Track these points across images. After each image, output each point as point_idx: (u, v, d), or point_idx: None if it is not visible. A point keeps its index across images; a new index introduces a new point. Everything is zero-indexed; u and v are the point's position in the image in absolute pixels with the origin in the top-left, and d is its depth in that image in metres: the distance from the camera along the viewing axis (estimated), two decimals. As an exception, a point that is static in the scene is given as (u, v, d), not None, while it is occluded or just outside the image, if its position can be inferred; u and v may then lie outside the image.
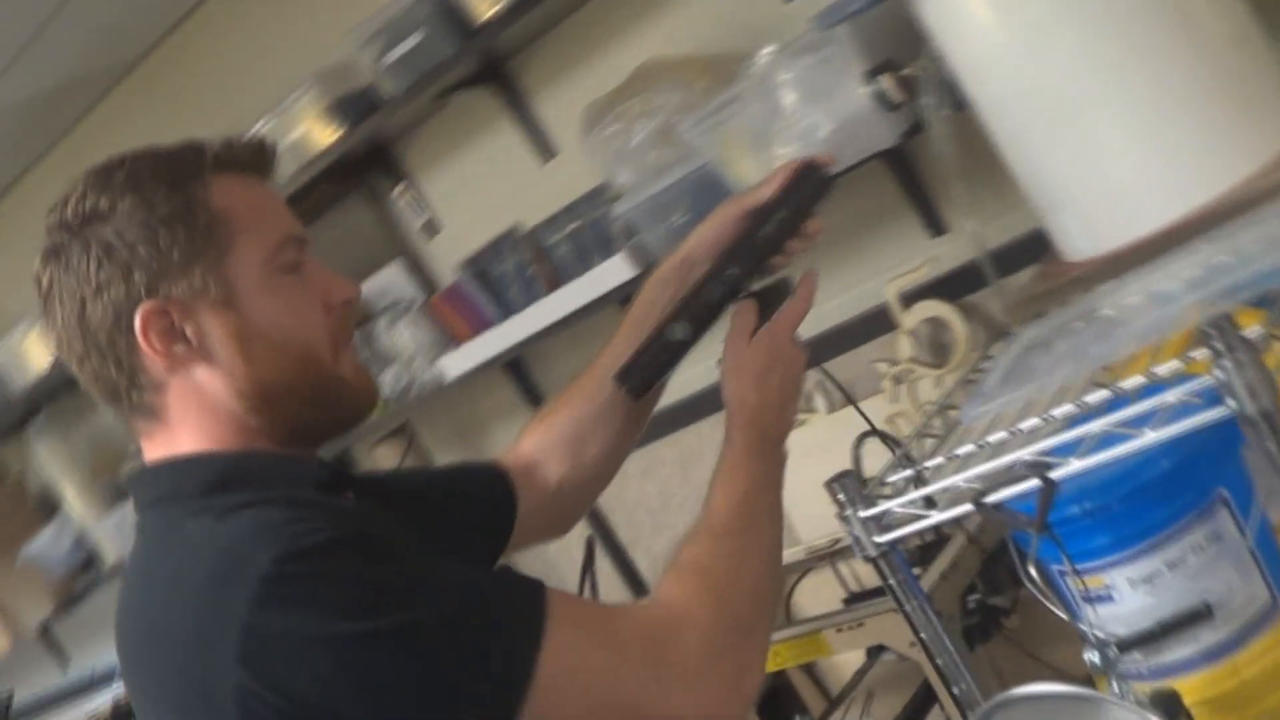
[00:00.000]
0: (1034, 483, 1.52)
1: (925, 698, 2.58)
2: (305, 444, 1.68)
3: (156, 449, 1.66)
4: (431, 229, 3.85)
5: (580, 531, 3.84)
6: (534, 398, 3.89)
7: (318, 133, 3.50)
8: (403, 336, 3.64)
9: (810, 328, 3.26)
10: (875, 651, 2.84)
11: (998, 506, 1.54)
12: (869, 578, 2.88)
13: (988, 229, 2.45)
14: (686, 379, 3.52)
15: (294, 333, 1.63)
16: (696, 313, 1.86)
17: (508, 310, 3.43)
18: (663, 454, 3.69)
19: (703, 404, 3.54)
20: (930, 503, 1.65)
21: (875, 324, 3.18)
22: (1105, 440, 1.50)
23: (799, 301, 1.88)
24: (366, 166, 3.81)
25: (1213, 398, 1.44)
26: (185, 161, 1.63)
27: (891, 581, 1.69)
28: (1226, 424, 1.50)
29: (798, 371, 1.86)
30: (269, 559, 1.42)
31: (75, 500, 4.69)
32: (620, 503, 3.85)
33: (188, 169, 1.62)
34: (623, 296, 3.31)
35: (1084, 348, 1.77)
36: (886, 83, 2.45)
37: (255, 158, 1.69)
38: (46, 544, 4.75)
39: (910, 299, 3.04)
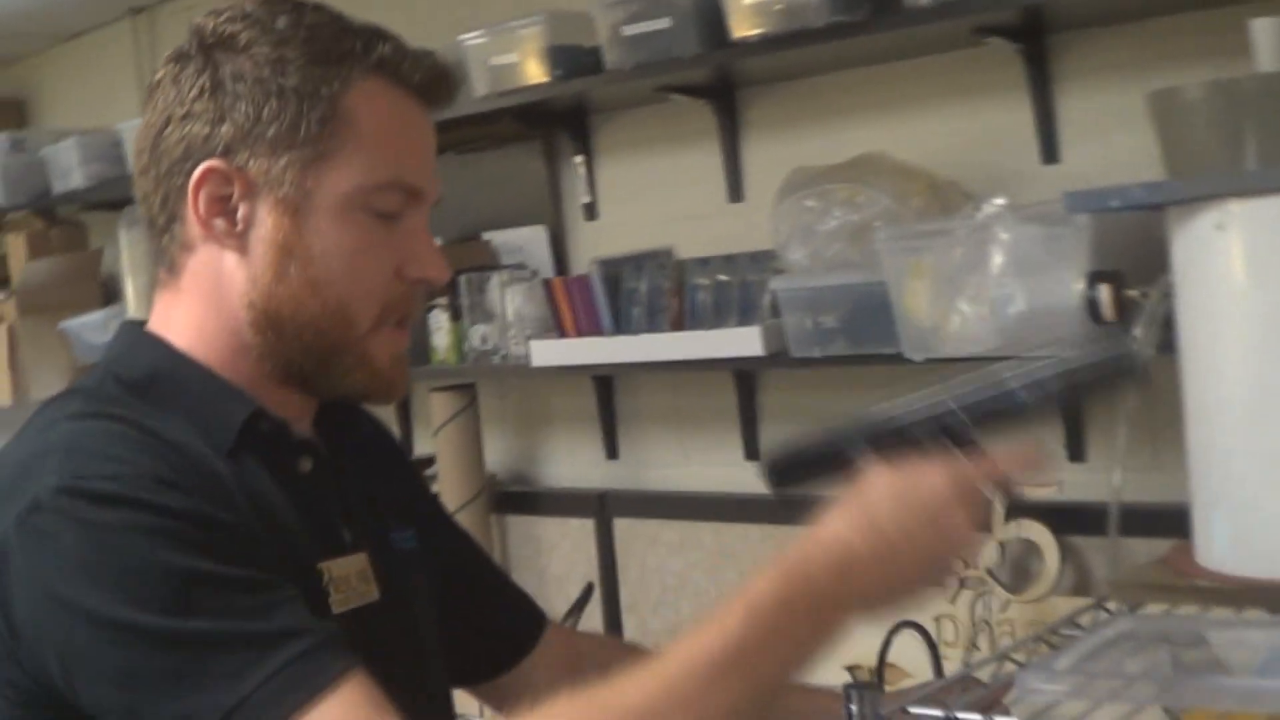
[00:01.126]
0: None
1: None
2: (296, 389, 1.54)
3: (159, 307, 1.56)
4: (591, 212, 3.66)
5: (588, 567, 3.68)
6: (609, 419, 3.70)
7: (527, 68, 3.32)
8: (513, 301, 3.45)
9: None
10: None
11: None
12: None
13: (1130, 480, 2.23)
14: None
15: (340, 279, 1.47)
16: (884, 439, 1.46)
17: (623, 327, 3.22)
18: (703, 537, 3.48)
19: (765, 509, 3.33)
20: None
21: (971, 517, 2.95)
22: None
23: (1000, 458, 1.44)
24: (557, 122, 3.64)
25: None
26: (348, 46, 1.48)
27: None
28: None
29: (938, 541, 1.39)
30: (52, 485, 1.34)
31: (134, 298, 4.54)
32: (639, 564, 3.63)
33: (345, 54, 1.48)
34: (738, 367, 3.12)
35: (1175, 676, 1.62)
36: (1105, 294, 2.22)
37: (426, 81, 1.52)
38: (92, 325, 4.59)
39: (1016, 511, 2.82)
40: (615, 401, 3.70)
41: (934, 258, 2.52)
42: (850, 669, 2.95)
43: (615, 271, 3.25)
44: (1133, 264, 2.27)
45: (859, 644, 2.84)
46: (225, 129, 1.45)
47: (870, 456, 1.44)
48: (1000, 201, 2.47)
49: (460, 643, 1.81)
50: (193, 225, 1.49)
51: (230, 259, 1.49)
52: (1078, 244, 2.36)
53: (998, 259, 2.43)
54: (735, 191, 3.37)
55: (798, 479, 1.55)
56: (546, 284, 3.40)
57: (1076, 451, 2.87)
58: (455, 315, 3.59)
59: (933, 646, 2.60)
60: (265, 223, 1.47)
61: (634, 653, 1.93)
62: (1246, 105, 1.97)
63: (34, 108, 5.78)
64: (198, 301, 1.51)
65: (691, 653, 1.33)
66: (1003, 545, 2.81)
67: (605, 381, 3.66)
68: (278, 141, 1.45)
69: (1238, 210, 1.84)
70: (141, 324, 1.57)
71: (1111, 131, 2.77)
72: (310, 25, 1.48)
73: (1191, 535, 1.99)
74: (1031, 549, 2.82)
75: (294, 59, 1.46)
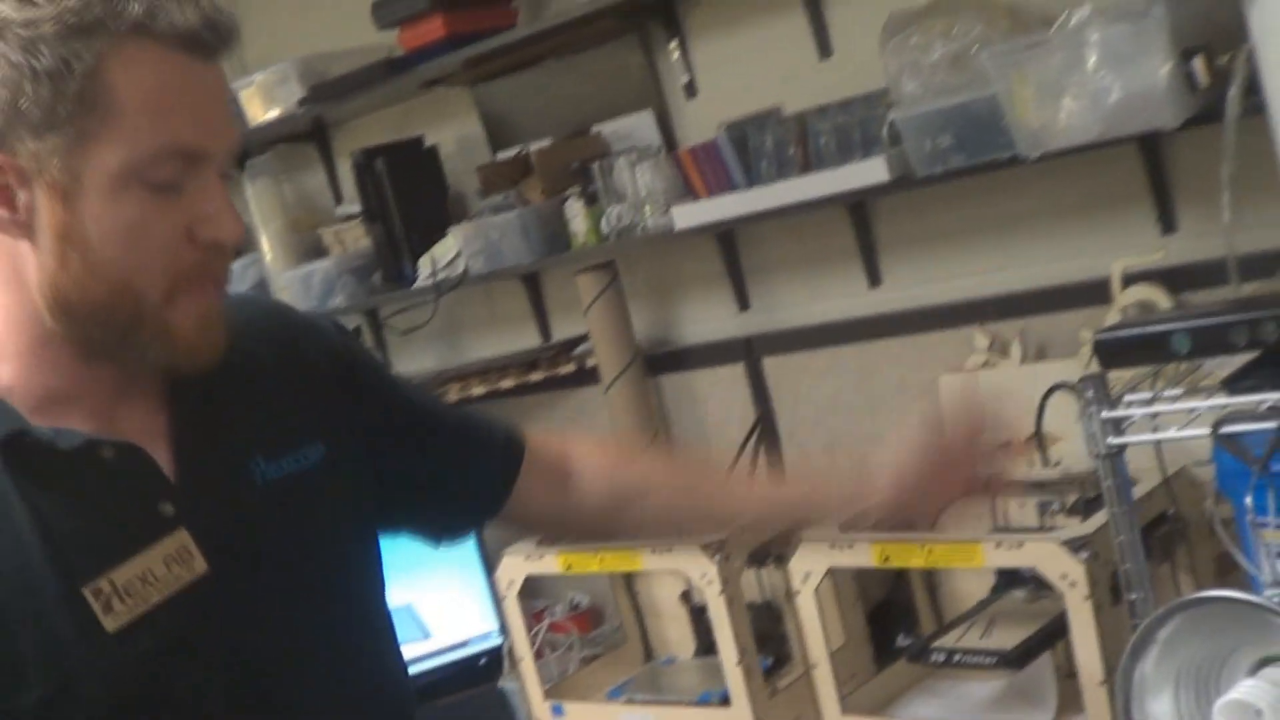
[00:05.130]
0: (1270, 425, 1.69)
1: (1052, 633, 2.74)
2: (115, 365, 1.49)
3: None
4: (690, 90, 4.02)
5: (743, 408, 4.08)
6: (736, 274, 4.09)
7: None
8: (643, 178, 3.81)
9: (1019, 282, 3.45)
10: (1002, 587, 3.00)
11: (1232, 437, 1.71)
12: (1017, 518, 3.06)
13: (1240, 234, 2.60)
14: (892, 299, 3.75)
15: (119, 258, 1.39)
16: (1204, 334, 1.81)
17: (755, 180, 3.59)
18: (846, 360, 3.89)
19: (899, 324, 3.76)
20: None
21: (1085, 295, 3.34)
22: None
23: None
24: (649, 14, 3.99)
25: None
26: (99, 13, 1.36)
27: (1110, 482, 1.86)
28: None
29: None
30: None
31: (269, 245, 4.90)
32: (791, 393, 4.04)
33: (96, 22, 1.35)
34: (866, 198, 3.52)
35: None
36: (1200, 64, 2.60)
37: (191, 32, 1.39)
38: (231, 277, 4.95)
39: (1131, 281, 3.20)
40: (740, 258, 4.08)
41: (1035, 66, 2.90)
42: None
43: (740, 133, 3.62)
44: (1217, 40, 2.65)
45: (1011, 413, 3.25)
46: None
47: (1190, 346, 1.77)
48: (1086, 7, 2.84)
49: (434, 507, 1.86)
50: None
51: (23, 247, 1.42)
52: (1159, 33, 2.74)
53: (1092, 57, 2.81)
54: (823, 48, 3.72)
55: (1124, 360, 1.86)
56: (675, 155, 3.77)
57: (1169, 224, 3.27)
58: (590, 200, 3.96)
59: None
60: (43, 209, 1.39)
61: (625, 456, 2.04)
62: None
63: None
64: (5, 289, 1.46)
65: None
66: (1124, 311, 3.19)
67: (729, 240, 4.04)
68: (40, 125, 1.36)
69: (1308, -26, 2.21)
70: None
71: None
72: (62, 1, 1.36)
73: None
74: (1150, 311, 3.19)
75: (46, 36, 1.34)
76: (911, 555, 2.79)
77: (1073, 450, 3.10)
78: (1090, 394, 1.84)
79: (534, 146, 4.29)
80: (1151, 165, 3.23)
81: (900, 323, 3.74)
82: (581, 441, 1.96)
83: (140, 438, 1.50)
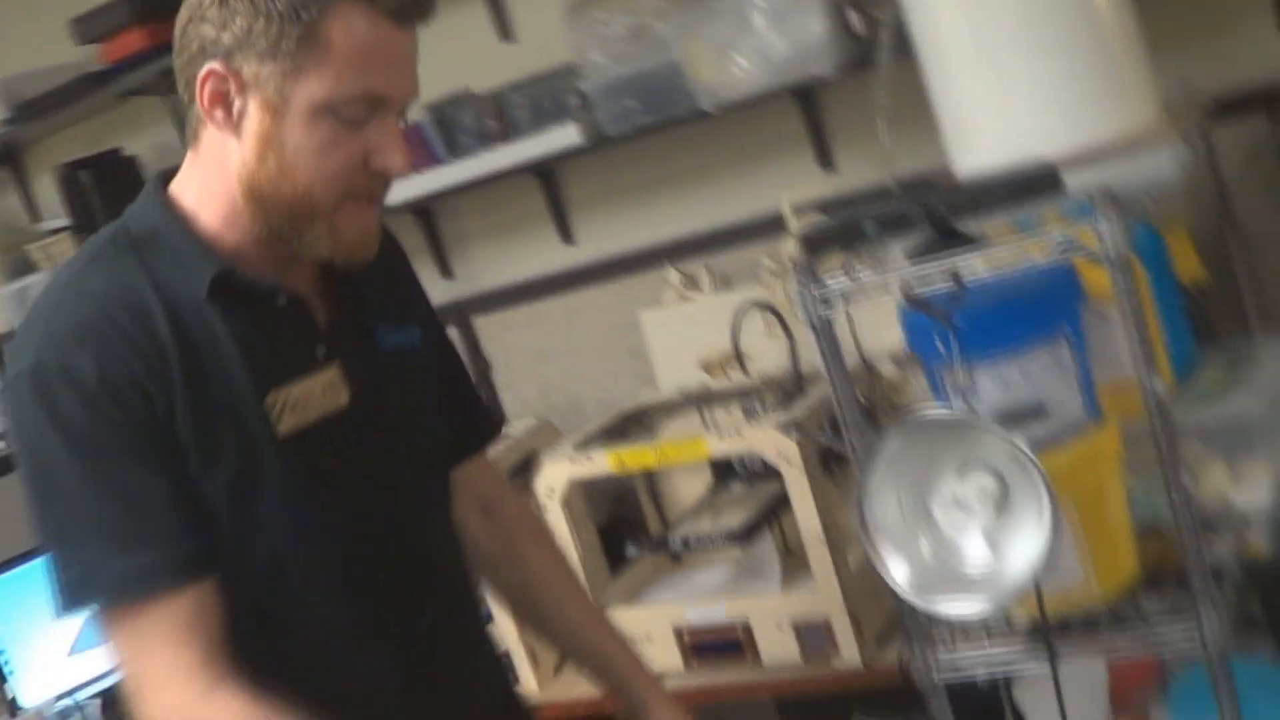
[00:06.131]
0: (949, 285, 2.14)
1: (772, 509, 3.17)
2: (280, 251, 1.86)
3: (185, 164, 1.90)
4: (380, 79, 4.35)
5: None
6: (437, 245, 4.47)
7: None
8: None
9: (702, 224, 3.89)
10: (719, 484, 3.43)
11: (920, 300, 2.16)
12: (727, 422, 3.49)
13: (896, 163, 3.07)
14: (586, 252, 4.16)
15: (306, 168, 1.76)
16: (889, 219, 2.19)
17: (457, 154, 3.97)
18: (551, 310, 4.32)
19: (594, 275, 4.20)
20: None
21: (762, 229, 3.82)
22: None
23: None
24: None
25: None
26: None
27: (824, 349, 2.29)
28: (1075, 286, 2.21)
29: None
30: (28, 364, 1.76)
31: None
32: (501, 347, 4.46)
33: None
34: (547, 167, 3.95)
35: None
36: (855, 15, 3.08)
37: (402, 8, 1.77)
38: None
39: (801, 213, 3.66)
40: (441, 229, 4.46)
41: (708, 30, 3.36)
42: (705, 366, 3.77)
43: (440, 113, 3.99)
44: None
45: (708, 338, 3.67)
46: (227, 36, 1.73)
47: (878, 230, 2.21)
48: (748, -22, 3.31)
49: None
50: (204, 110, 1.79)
51: (230, 142, 1.79)
52: (815, -5, 3.22)
53: (758, 20, 3.28)
54: (505, 32, 4.11)
55: (826, 247, 2.26)
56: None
57: (828, 162, 3.77)
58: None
59: (777, 314, 3.43)
60: (253, 117, 1.76)
61: (536, 537, 2.41)
62: None
63: None
64: (209, 168, 1.83)
65: None
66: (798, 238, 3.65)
67: (428, 215, 4.42)
68: (264, 53, 1.72)
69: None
70: (167, 179, 1.90)
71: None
72: None
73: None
74: (820, 235, 3.65)
75: None
76: (644, 457, 3.19)
77: (762, 365, 3.55)
78: (801, 276, 2.26)
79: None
80: (811, 111, 3.72)
81: (596, 272, 4.18)
82: (518, 499, 2.39)
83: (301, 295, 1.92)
